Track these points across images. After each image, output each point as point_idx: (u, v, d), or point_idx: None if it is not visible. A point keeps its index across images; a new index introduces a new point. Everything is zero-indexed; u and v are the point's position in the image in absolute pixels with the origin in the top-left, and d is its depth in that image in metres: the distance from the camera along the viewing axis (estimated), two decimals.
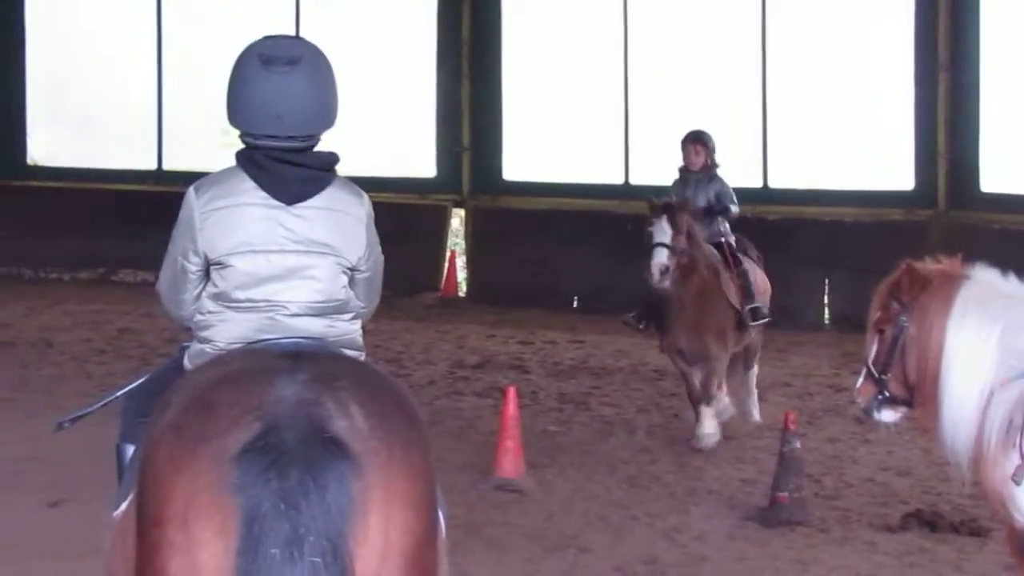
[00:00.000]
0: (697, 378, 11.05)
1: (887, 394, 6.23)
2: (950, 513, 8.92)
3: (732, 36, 17.33)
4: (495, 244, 18.12)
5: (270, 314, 4.52)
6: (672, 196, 11.20)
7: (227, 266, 4.53)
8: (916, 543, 8.54)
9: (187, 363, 4.63)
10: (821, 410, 12.08)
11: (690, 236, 10.86)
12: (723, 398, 11.18)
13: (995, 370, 5.77)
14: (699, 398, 10.92)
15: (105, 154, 20.27)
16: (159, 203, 15.22)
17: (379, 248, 4.77)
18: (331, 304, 4.59)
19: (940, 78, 16.25)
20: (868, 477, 10.05)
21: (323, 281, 4.57)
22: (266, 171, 4.53)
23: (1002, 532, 6.49)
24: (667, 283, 10.70)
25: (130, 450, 4.66)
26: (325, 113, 4.61)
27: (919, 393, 6.08)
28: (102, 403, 5.08)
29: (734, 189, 11.65)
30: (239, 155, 4.62)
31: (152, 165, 19.75)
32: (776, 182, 17.14)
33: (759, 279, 11.52)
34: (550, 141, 18.38)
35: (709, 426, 10.78)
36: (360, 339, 4.71)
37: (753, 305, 11.20)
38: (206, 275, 4.61)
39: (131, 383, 4.98)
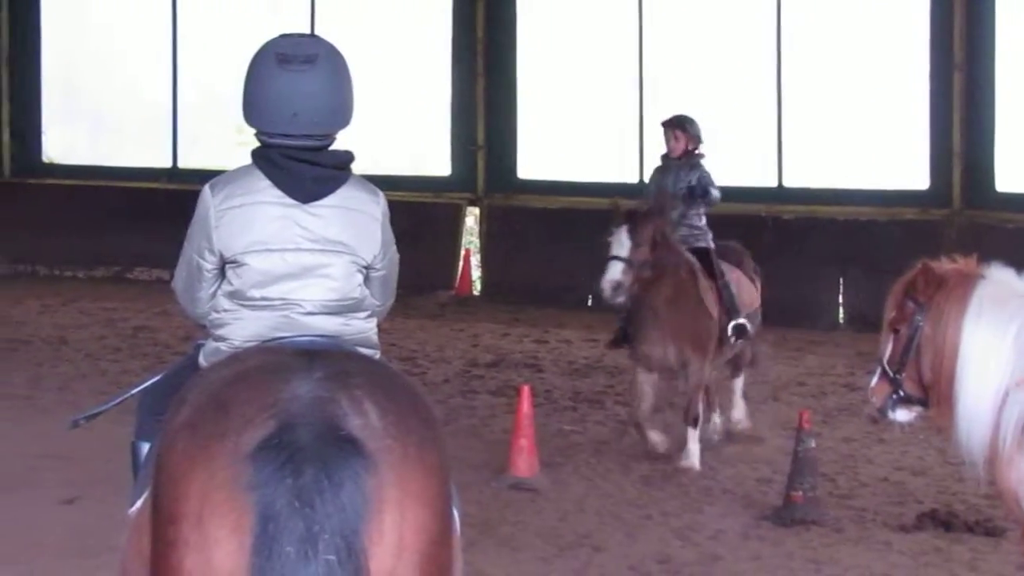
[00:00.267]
0: (654, 393, 10.41)
1: (902, 393, 6.20)
2: (965, 513, 8.90)
3: (748, 34, 17.32)
4: (510, 242, 18.12)
5: (285, 312, 4.52)
6: (644, 200, 10.67)
7: (242, 264, 4.53)
8: (931, 543, 8.51)
9: (202, 361, 4.64)
10: (836, 409, 12.05)
11: (663, 243, 10.24)
12: (714, 419, 10.85)
13: (1011, 369, 5.76)
14: (685, 417, 10.29)
15: (120, 152, 20.34)
16: (174, 201, 15.38)
17: (394, 246, 4.77)
18: (346, 302, 4.58)
19: (955, 77, 16.22)
20: (883, 476, 10.03)
21: (338, 279, 4.56)
22: (282, 169, 4.53)
23: (1017, 532, 6.49)
24: (621, 299, 10.13)
25: (145, 448, 4.67)
26: (341, 112, 4.60)
27: (934, 392, 6.06)
28: (117, 401, 5.09)
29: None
30: (255, 153, 4.62)
31: (167, 163, 19.80)
32: (791, 181, 17.10)
33: (744, 291, 10.81)
34: (565, 140, 18.38)
35: (693, 451, 10.11)
36: (375, 337, 4.70)
37: (737, 322, 10.47)
38: (221, 273, 4.61)
39: (146, 381, 4.98)
